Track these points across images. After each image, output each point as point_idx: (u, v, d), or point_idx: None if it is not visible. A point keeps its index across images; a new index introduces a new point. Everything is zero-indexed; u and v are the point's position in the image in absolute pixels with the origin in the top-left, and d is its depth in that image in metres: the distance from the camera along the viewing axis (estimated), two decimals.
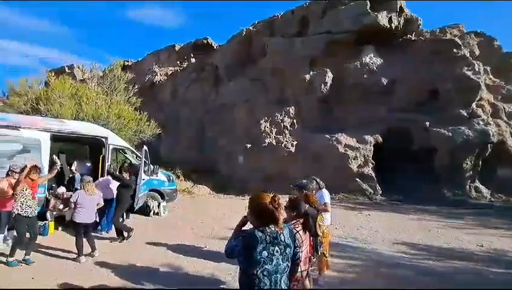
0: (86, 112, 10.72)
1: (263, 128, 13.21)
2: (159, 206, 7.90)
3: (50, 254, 4.68)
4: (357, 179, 11.59)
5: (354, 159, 11.73)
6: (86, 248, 4.57)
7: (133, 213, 7.23)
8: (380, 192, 11.50)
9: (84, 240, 4.55)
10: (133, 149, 8.37)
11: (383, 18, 12.59)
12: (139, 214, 7.40)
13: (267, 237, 1.79)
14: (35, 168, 4.44)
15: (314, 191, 3.77)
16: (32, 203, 4.29)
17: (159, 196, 8.09)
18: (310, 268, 2.97)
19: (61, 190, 6.47)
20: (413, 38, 13.77)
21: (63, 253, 4.75)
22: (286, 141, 12.98)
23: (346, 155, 11.70)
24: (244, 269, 1.81)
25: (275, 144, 13.00)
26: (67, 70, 19.46)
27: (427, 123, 11.95)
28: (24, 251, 4.20)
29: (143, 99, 14.27)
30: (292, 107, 13.40)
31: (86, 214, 4.51)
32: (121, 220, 6.94)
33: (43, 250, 4.68)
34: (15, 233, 4.56)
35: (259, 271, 1.75)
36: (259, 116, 13.40)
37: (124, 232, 5.58)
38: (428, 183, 11.30)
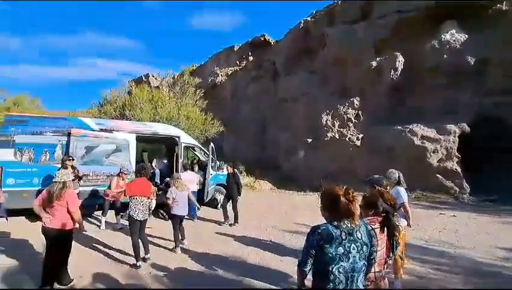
0: (160, 115, 12.09)
1: (325, 122, 12.71)
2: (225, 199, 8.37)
3: None
4: (438, 175, 10.15)
5: (433, 152, 10.30)
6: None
7: (203, 205, 7.84)
8: (468, 190, 9.86)
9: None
10: (201, 147, 9.06)
11: None
12: (208, 207, 7.96)
13: (342, 232, 1.71)
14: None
15: (388, 188, 3.44)
16: (140, 205, 4.32)
17: (224, 190, 8.58)
18: (385, 270, 2.74)
19: None
20: (504, 8, 11.16)
21: (151, 238, 5.46)
22: (350, 134, 12.22)
23: (423, 148, 10.35)
24: (319, 264, 1.76)
25: (338, 137, 12.39)
26: (143, 79, 22.13)
27: None
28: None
29: (207, 100, 15.33)
30: (356, 97, 12.51)
31: (181, 207, 4.97)
32: (199, 212, 7.59)
33: None
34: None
35: (334, 268, 1.68)
36: (320, 110, 12.94)
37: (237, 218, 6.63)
38: None
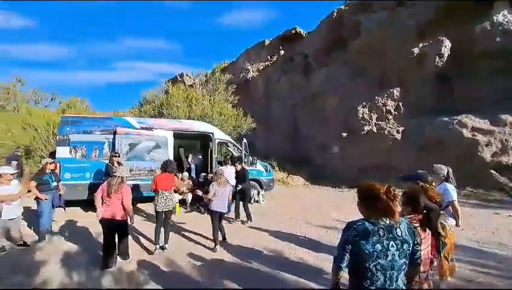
0: (195, 112, 12.53)
1: (361, 115, 12.13)
2: (258, 194, 8.46)
3: (178, 230, 5.75)
4: (492, 171, 9.15)
5: (486, 145, 9.30)
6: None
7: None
8: None
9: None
10: (234, 142, 9.23)
11: None
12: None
13: (380, 229, 1.65)
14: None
15: (434, 184, 3.20)
16: (161, 199, 4.73)
17: (257, 185, 8.68)
18: (431, 272, 2.58)
19: (186, 174, 7.72)
20: None
21: (188, 229, 5.77)
22: (390, 127, 11.52)
23: (474, 141, 9.38)
24: (355, 261, 1.72)
25: (375, 131, 11.76)
26: (178, 78, 23.04)
27: None
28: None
29: (239, 96, 15.50)
30: (396, 88, 11.72)
31: (221, 204, 4.88)
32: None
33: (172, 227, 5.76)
34: None
35: (371, 265, 1.64)
36: (356, 102, 12.36)
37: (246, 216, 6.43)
38: None
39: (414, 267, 1.84)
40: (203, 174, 8.40)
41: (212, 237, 4.86)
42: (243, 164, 7.38)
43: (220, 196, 4.87)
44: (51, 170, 5.19)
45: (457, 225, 3.49)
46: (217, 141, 8.40)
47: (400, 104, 11.67)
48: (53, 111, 14.92)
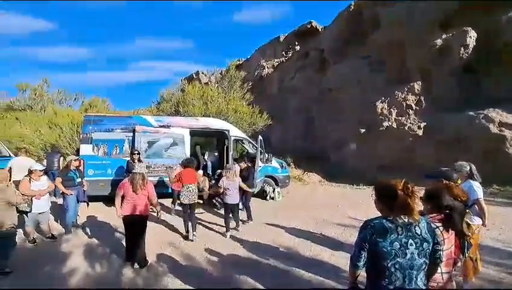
0: (210, 110, 12.66)
1: (380, 111, 11.78)
2: (273, 191, 8.46)
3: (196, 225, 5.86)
4: None
5: None
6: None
7: (252, 197, 8.04)
8: None
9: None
10: (250, 139, 9.26)
11: None
12: (257, 198, 8.14)
13: (398, 227, 1.61)
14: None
15: (459, 181, 3.05)
16: (186, 191, 5.08)
17: (273, 182, 8.68)
18: (454, 272, 2.48)
19: (200, 172, 7.86)
20: None
21: (206, 225, 5.89)
22: (411, 123, 11.11)
23: (501, 137, 8.87)
24: (373, 259, 1.69)
25: (395, 127, 11.38)
26: (194, 76, 23.36)
27: None
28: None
29: (254, 93, 15.47)
30: (417, 82, 11.25)
31: (231, 196, 5.31)
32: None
33: None
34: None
35: (389, 263, 1.60)
36: (375, 97, 12.01)
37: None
38: None
39: (434, 266, 1.79)
40: (219, 171, 8.50)
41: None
42: (258, 161, 7.39)
43: (230, 189, 5.27)
44: (76, 167, 5.44)
45: (483, 224, 3.32)
46: (232, 138, 8.46)
47: (422, 98, 11.22)
48: (76, 110, 15.59)
